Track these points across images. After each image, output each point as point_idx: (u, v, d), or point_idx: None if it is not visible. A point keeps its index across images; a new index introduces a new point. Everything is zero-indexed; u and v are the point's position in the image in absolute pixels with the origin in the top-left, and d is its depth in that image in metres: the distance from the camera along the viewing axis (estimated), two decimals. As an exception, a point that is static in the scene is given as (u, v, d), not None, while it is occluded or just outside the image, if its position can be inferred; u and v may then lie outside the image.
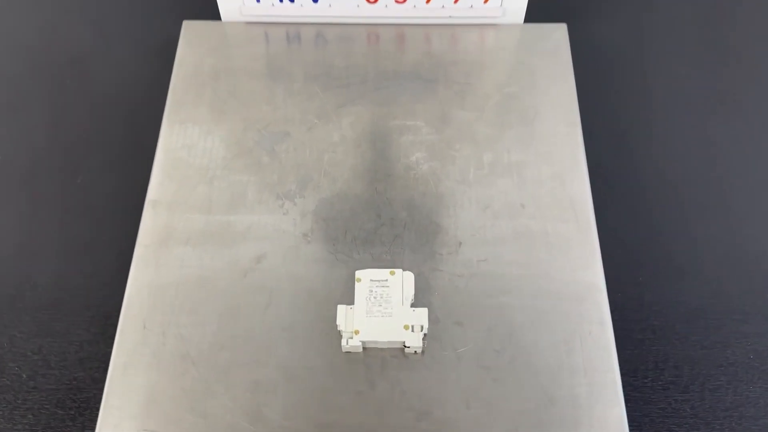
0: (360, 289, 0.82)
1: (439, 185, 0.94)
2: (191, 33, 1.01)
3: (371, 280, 0.82)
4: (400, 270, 0.83)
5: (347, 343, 0.79)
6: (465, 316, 0.83)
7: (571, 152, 0.96)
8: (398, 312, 0.79)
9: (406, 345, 0.78)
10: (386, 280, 0.82)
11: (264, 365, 0.79)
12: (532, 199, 0.92)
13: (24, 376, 0.89)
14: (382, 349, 0.80)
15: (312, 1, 0.95)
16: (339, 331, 0.80)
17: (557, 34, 1.01)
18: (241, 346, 0.81)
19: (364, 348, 0.79)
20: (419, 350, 0.79)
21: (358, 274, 0.83)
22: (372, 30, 1.02)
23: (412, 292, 0.82)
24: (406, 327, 0.79)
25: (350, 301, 0.83)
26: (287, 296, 0.84)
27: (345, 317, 0.80)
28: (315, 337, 0.81)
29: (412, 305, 0.77)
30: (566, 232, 0.89)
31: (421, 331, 0.79)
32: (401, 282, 0.82)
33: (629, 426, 0.75)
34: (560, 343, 0.81)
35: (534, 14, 0.98)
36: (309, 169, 0.95)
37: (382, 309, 0.80)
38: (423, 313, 0.80)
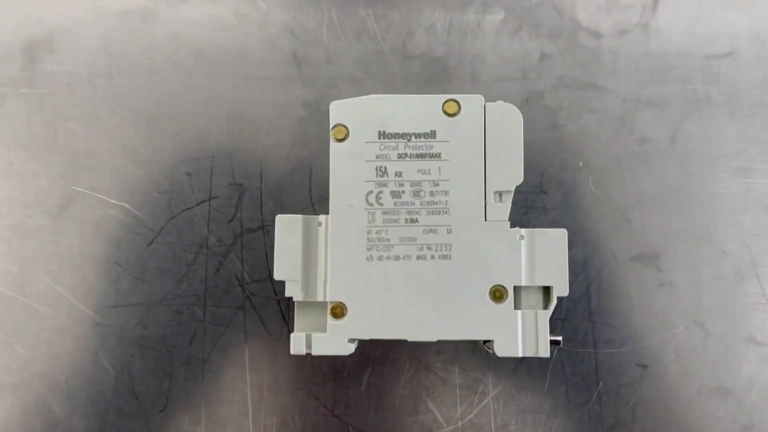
0: (344, 162, 0.25)
1: None
2: None
3: (385, 135, 0.25)
4: (480, 98, 0.24)
5: (305, 344, 0.24)
6: (680, 244, 0.27)
7: None
8: (473, 242, 0.25)
9: (493, 349, 0.24)
10: (429, 135, 0.24)
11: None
12: None
13: None
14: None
15: None
16: (283, 297, 0.25)
17: None
18: None
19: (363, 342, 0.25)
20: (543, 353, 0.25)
21: (338, 109, 0.25)
22: None
23: (520, 173, 0.24)
24: (497, 294, 0.24)
25: (320, 207, 0.26)
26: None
27: (301, 254, 0.25)
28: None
29: (514, 220, 0.28)
30: None
31: (548, 306, 0.24)
32: (481, 140, 0.25)
33: None
34: None
35: None
36: None
37: (420, 233, 0.25)
38: (556, 244, 0.25)
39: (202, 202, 0.28)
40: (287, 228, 0.25)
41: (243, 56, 0.29)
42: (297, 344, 0.24)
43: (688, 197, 0.28)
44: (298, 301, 0.25)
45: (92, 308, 0.27)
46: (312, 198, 0.28)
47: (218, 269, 0.28)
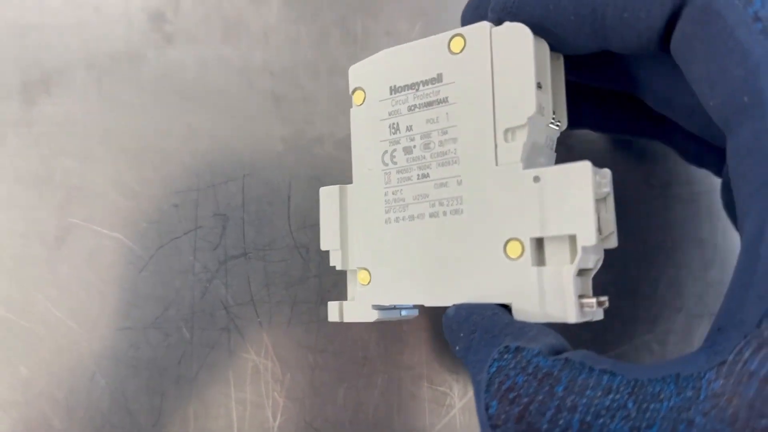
0: (362, 125, 0.25)
1: None
2: None
3: (396, 89, 0.24)
4: (486, 24, 0.23)
5: (339, 313, 0.25)
6: None
7: None
8: (483, 192, 0.22)
9: (513, 308, 0.21)
10: (435, 80, 0.24)
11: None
12: None
13: None
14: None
15: None
16: (263, 318, 0.27)
17: None
18: None
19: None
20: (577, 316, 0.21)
21: (355, 73, 0.26)
22: None
23: (532, 102, 0.22)
24: (513, 249, 0.21)
25: (299, 235, 0.28)
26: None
27: (339, 224, 0.25)
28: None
29: (530, 160, 0.22)
30: None
31: (574, 260, 0.20)
32: (488, 72, 0.22)
33: None
34: None
35: None
36: None
37: (432, 188, 0.23)
38: (577, 181, 0.20)
39: (189, 231, 0.30)
40: (328, 199, 0.25)
41: (225, 95, 0.31)
42: (332, 312, 0.25)
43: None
44: (344, 270, 0.25)
45: (89, 331, 0.30)
46: (291, 226, 0.30)
47: (204, 294, 0.30)
